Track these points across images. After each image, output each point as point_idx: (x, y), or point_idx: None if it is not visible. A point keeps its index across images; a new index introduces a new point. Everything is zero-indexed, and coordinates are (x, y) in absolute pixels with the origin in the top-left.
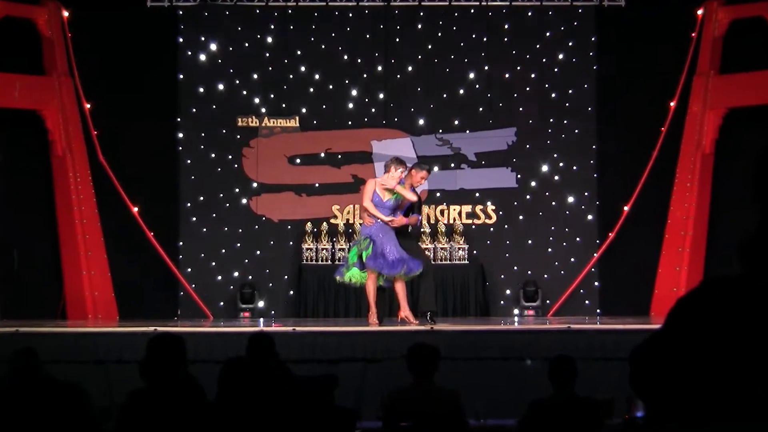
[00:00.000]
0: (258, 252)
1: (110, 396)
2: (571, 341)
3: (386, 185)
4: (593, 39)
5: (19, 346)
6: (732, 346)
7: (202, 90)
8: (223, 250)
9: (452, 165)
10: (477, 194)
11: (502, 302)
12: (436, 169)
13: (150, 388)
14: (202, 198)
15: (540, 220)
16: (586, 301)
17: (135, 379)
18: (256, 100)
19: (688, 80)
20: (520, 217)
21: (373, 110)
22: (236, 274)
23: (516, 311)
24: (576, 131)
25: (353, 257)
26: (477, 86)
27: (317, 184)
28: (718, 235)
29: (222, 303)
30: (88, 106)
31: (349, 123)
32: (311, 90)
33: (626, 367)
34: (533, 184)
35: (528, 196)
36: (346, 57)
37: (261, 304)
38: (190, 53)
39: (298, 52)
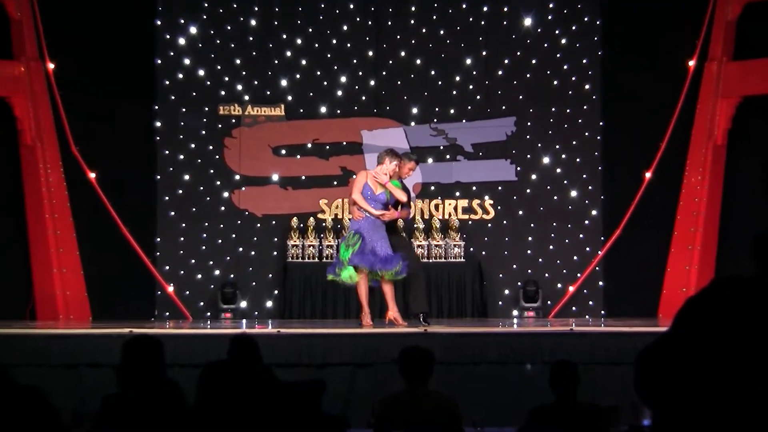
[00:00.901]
0: (240, 249)
1: (83, 401)
2: (573, 344)
3: (378, 179)
4: (598, 22)
5: None
6: (744, 350)
7: (181, 76)
8: (204, 247)
9: (447, 157)
10: (474, 188)
11: (500, 303)
12: (430, 160)
13: (125, 393)
14: (180, 191)
15: (541, 215)
16: (590, 302)
17: (109, 383)
18: (239, 87)
19: (699, 67)
20: (520, 213)
21: (364, 98)
22: (217, 272)
23: (515, 312)
24: (579, 121)
25: (345, 255)
26: (474, 72)
27: (304, 177)
28: (730, 232)
29: (202, 303)
30: (60, 92)
31: (338, 112)
32: (297, 76)
33: (632, 371)
34: (534, 177)
35: (528, 190)
36: (334, 41)
37: (243, 304)
38: (168, 36)
39: (284, 36)
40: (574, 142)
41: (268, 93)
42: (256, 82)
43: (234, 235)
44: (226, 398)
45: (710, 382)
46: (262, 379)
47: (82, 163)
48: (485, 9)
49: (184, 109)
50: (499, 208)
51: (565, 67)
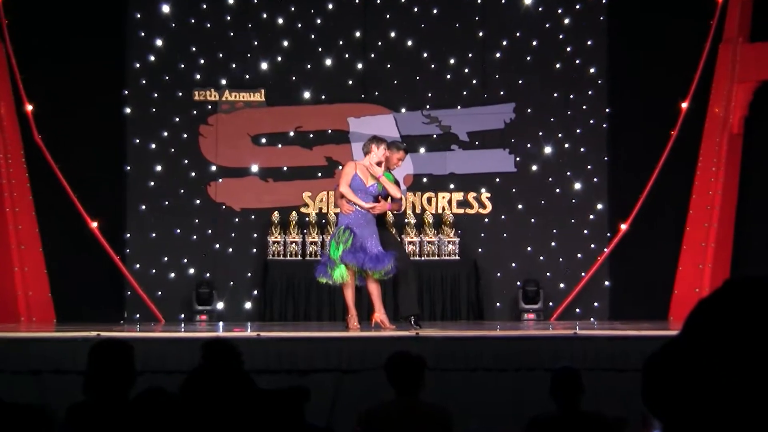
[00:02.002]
0: (217, 246)
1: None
2: (577, 349)
3: (372, 171)
4: (604, 0)
5: None
6: (760, 356)
7: (152, 59)
8: (177, 244)
9: (441, 146)
10: (469, 180)
11: (498, 304)
12: (422, 150)
13: (92, 402)
14: (152, 183)
15: (542, 209)
16: (595, 303)
17: (74, 391)
18: (216, 71)
19: (713, 49)
20: (519, 207)
21: (350, 82)
22: (192, 271)
23: (514, 314)
24: (584, 107)
25: (336, 252)
26: (470, 55)
27: (285, 168)
28: (747, 228)
29: (176, 304)
30: (22, 77)
31: (323, 97)
32: (279, 59)
33: (640, 378)
34: (534, 168)
35: (528, 183)
36: (318, 21)
37: (220, 305)
38: (139, 16)
39: (264, 15)
40: (578, 131)
41: (247, 77)
42: (234, 66)
43: (210, 231)
44: (202, 407)
45: (724, 390)
46: (239, 387)
47: (45, 153)
48: None
49: (156, 95)
50: (496, 201)
51: (569, 49)
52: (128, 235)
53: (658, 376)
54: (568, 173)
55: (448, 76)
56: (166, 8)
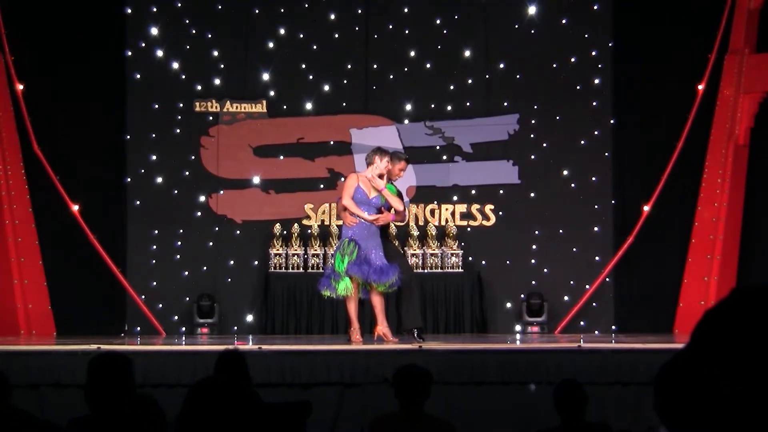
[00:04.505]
0: (218, 258)
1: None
2: (582, 362)
3: (375, 184)
4: (609, 11)
5: None
6: None
7: (152, 69)
8: (178, 256)
9: (444, 157)
10: (473, 191)
11: (501, 317)
12: (425, 162)
13: (92, 416)
14: (152, 195)
15: (546, 221)
16: (600, 316)
17: (74, 404)
18: (216, 82)
19: (719, 59)
20: (523, 219)
21: (353, 93)
22: (193, 283)
23: (518, 327)
24: (588, 118)
25: (341, 265)
26: (473, 65)
27: (287, 180)
28: (753, 240)
29: (176, 317)
30: (21, 87)
31: (325, 108)
32: (280, 70)
33: (645, 392)
34: (538, 179)
35: (532, 194)
36: (320, 31)
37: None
38: (139, 27)
39: (265, 26)
40: (582, 142)
41: (249, 88)
42: (235, 76)
43: (211, 243)
44: (208, 419)
45: (735, 400)
46: (247, 400)
47: (45, 165)
48: None
49: (156, 106)
50: (500, 213)
51: (573, 59)
52: (129, 247)
53: (670, 388)
54: (572, 185)
55: (452, 87)
56: (166, 19)
